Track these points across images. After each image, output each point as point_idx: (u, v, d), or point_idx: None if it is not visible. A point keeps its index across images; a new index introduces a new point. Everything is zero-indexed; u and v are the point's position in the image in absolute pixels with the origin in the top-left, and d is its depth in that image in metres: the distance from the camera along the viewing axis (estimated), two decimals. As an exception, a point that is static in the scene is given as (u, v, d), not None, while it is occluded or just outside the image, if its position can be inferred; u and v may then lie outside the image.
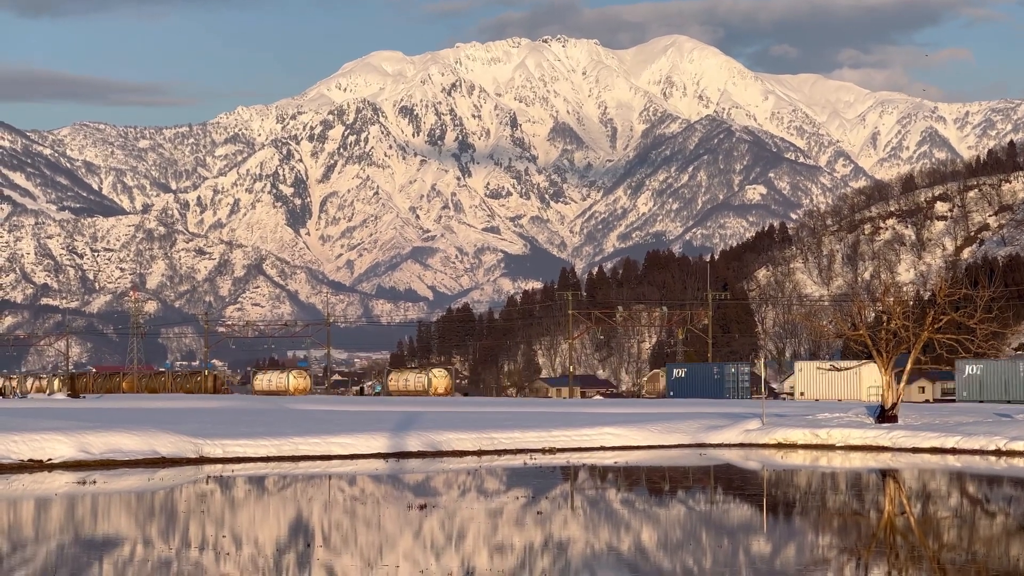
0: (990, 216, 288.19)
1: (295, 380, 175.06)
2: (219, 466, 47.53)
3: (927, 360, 73.61)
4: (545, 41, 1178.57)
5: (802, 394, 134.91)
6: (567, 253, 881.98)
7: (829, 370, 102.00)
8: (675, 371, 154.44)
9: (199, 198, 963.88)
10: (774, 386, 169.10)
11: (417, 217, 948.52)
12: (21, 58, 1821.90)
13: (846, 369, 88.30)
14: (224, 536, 29.51)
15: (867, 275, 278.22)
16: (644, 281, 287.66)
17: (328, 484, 42.57)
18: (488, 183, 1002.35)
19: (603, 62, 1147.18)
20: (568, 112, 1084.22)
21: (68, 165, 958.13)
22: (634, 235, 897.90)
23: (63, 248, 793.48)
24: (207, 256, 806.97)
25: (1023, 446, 52.89)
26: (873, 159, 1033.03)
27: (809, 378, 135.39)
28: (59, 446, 46.84)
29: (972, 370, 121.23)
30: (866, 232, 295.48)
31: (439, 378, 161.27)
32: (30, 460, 45.65)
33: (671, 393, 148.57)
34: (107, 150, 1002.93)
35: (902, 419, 63.26)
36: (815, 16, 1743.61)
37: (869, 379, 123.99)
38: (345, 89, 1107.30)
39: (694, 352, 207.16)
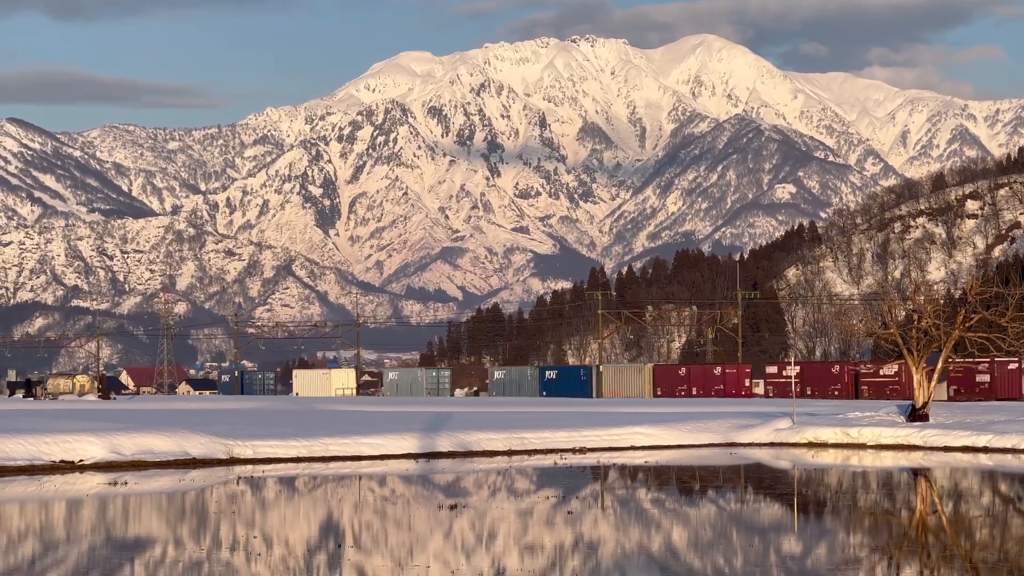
0: (1021, 214, 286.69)
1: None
2: (249, 467, 47.64)
3: (957, 358, 73.39)
4: (574, 41, 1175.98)
5: (297, 393, 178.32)
6: (596, 253, 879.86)
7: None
8: (223, 376, 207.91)
9: (228, 199, 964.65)
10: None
11: (446, 217, 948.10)
12: (53, 61, 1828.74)
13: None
14: (255, 537, 29.59)
15: (897, 274, 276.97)
16: (673, 280, 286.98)
17: (358, 484, 42.63)
18: (517, 183, 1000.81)
19: (632, 62, 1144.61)
20: (597, 112, 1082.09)
21: (98, 167, 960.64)
22: (663, 234, 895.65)
23: (93, 250, 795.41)
24: (236, 257, 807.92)
25: (1055, 445, 52.66)
26: (903, 157, 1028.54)
27: (304, 382, 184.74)
28: (90, 447, 47.03)
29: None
30: (896, 231, 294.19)
31: (81, 382, 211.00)
32: (62, 461, 45.84)
33: (219, 393, 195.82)
34: (137, 152, 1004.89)
35: (933, 418, 63.05)
36: (845, 15, 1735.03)
37: (337, 382, 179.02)
38: (374, 90, 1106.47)
39: (723, 351, 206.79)
